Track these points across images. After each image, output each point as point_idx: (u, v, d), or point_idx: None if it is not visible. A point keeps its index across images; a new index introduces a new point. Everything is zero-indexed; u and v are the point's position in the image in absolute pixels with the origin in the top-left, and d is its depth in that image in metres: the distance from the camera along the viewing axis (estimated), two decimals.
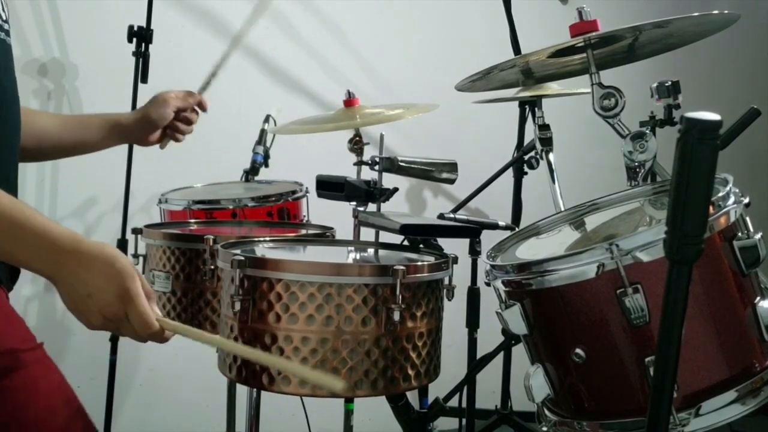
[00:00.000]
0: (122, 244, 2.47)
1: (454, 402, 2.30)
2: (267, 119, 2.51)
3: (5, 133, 1.24)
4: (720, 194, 1.29)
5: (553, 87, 2.41)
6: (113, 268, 1.06)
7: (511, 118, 2.85)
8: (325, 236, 1.72)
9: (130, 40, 2.52)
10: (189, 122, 1.76)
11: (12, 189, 1.26)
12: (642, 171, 1.62)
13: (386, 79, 3.14)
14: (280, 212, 2.18)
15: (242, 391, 1.74)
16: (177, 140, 1.77)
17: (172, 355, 2.79)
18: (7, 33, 1.27)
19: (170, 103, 1.70)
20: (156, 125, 1.71)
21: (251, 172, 2.45)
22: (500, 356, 2.69)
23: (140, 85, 2.52)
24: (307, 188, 2.27)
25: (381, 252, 1.56)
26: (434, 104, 2.07)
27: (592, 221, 1.62)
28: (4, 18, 1.26)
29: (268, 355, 1.20)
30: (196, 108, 1.77)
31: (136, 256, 1.72)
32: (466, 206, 2.74)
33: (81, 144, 1.64)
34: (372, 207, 1.92)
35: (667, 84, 2.32)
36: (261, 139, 2.48)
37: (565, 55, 1.76)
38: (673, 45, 1.78)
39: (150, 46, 2.52)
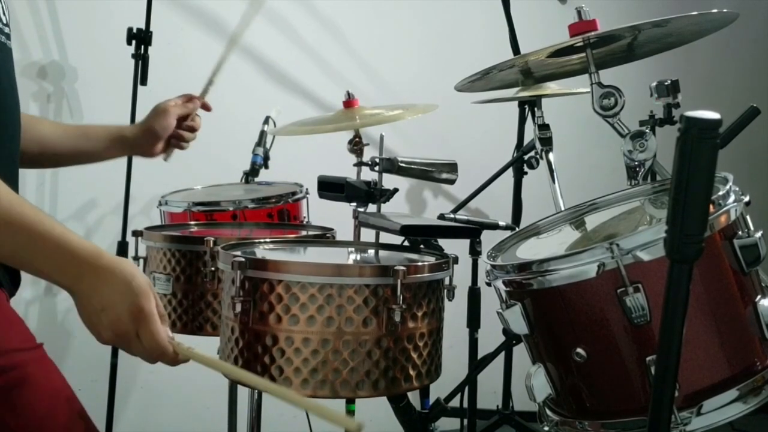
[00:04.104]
0: (122, 247, 2.47)
1: (455, 402, 2.30)
2: (266, 120, 2.52)
3: (5, 137, 1.24)
4: (720, 193, 1.29)
5: (553, 87, 2.41)
6: (129, 285, 1.06)
7: (511, 118, 2.85)
8: (325, 237, 1.72)
9: (129, 43, 2.52)
10: (192, 129, 1.75)
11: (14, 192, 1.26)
12: (642, 170, 1.62)
13: (385, 79, 3.14)
14: (280, 214, 2.18)
15: (243, 392, 1.74)
16: (182, 148, 1.75)
17: None
18: (8, 36, 1.26)
19: (171, 112, 1.68)
20: (159, 136, 1.69)
21: (251, 174, 2.45)
22: (501, 356, 2.69)
23: (140, 88, 2.52)
24: (307, 189, 2.27)
25: (381, 253, 1.56)
26: (434, 105, 2.07)
27: (592, 221, 1.62)
28: (4, 21, 1.26)
29: (280, 387, 1.17)
30: (198, 113, 1.76)
31: (136, 258, 1.72)
32: (466, 206, 2.74)
33: (82, 154, 1.63)
34: (372, 208, 1.92)
35: (666, 83, 2.33)
36: (261, 140, 2.48)
37: (564, 54, 1.76)
38: (672, 44, 1.78)
39: (149, 48, 2.53)
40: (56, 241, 1.05)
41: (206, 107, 1.78)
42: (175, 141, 1.74)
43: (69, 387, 1.20)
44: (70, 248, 1.05)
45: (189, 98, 1.74)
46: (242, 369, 1.22)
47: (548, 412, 1.41)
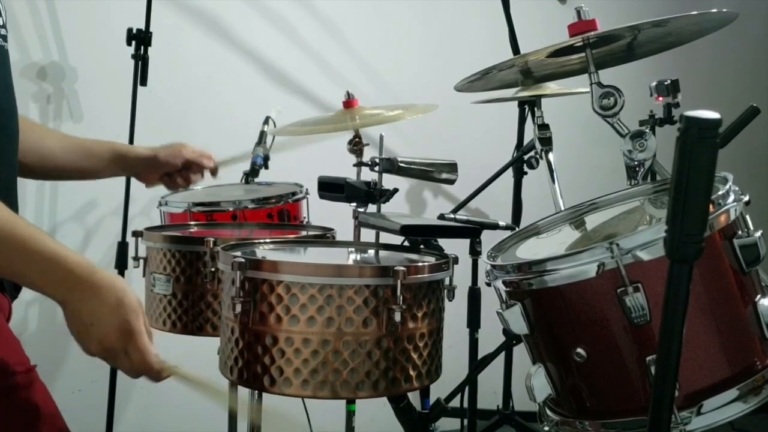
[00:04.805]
0: (123, 247, 2.47)
1: (455, 402, 2.30)
2: (266, 121, 2.51)
3: (3, 139, 1.24)
4: (720, 192, 1.29)
5: (552, 87, 2.41)
6: (120, 302, 1.08)
7: (511, 118, 2.85)
8: (325, 237, 1.72)
9: (129, 43, 2.52)
10: (188, 180, 1.75)
11: (12, 195, 1.26)
12: (642, 170, 1.62)
13: (385, 79, 3.14)
14: (280, 214, 2.17)
15: (243, 393, 1.73)
16: (168, 188, 1.76)
17: (173, 358, 2.78)
18: (5, 38, 1.26)
19: (183, 154, 1.70)
20: (161, 168, 1.70)
21: (251, 174, 2.44)
22: (501, 356, 2.69)
23: (140, 88, 2.52)
24: (307, 190, 2.27)
25: (381, 253, 1.56)
26: (433, 105, 2.07)
27: (592, 221, 1.62)
28: (1, 23, 1.25)
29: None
30: (202, 172, 1.77)
31: (136, 258, 1.71)
32: (466, 206, 2.74)
33: (84, 171, 1.63)
34: (372, 208, 1.92)
35: (666, 83, 2.33)
36: (260, 140, 2.48)
37: (563, 54, 1.76)
38: (672, 44, 1.78)
39: (149, 48, 2.53)
40: (50, 257, 1.06)
41: (214, 172, 1.81)
42: (167, 179, 1.74)
43: (59, 414, 1.21)
44: (64, 264, 1.07)
45: (207, 156, 1.75)
46: (226, 389, 1.22)
47: (548, 412, 1.41)
